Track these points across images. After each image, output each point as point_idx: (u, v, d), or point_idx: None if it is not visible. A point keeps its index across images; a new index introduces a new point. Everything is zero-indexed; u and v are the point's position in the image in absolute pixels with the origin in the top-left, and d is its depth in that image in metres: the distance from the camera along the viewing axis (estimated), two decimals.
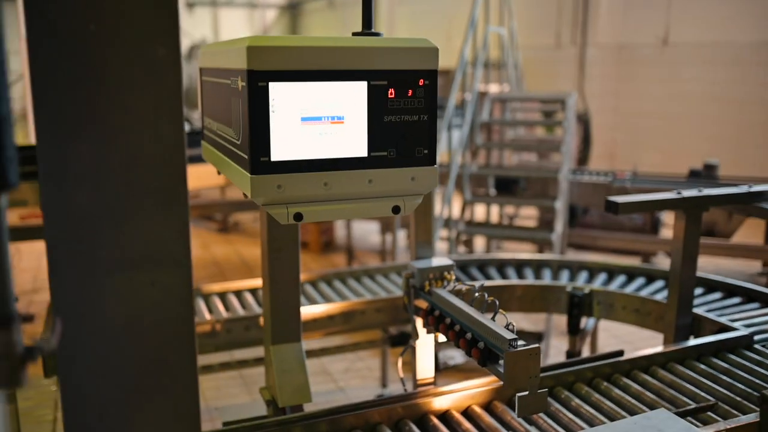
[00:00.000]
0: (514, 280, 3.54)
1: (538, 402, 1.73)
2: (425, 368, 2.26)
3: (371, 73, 1.48)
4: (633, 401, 2.24)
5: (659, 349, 2.54)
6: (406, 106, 1.51)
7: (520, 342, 1.74)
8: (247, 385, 4.36)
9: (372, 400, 2.18)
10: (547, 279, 3.60)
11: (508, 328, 1.76)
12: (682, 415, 2.10)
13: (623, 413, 2.19)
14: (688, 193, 2.57)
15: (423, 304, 2.15)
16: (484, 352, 1.78)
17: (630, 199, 2.49)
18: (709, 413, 2.15)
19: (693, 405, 2.16)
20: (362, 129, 1.49)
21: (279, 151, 1.43)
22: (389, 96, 1.50)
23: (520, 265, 3.78)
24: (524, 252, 6.79)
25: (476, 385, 2.21)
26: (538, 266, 3.74)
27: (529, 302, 3.44)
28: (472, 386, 2.20)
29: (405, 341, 3.45)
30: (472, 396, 2.20)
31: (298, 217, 1.48)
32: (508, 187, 6.62)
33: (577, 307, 3.29)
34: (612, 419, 2.17)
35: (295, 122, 1.44)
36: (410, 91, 1.51)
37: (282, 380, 2.10)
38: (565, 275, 3.65)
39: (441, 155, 5.29)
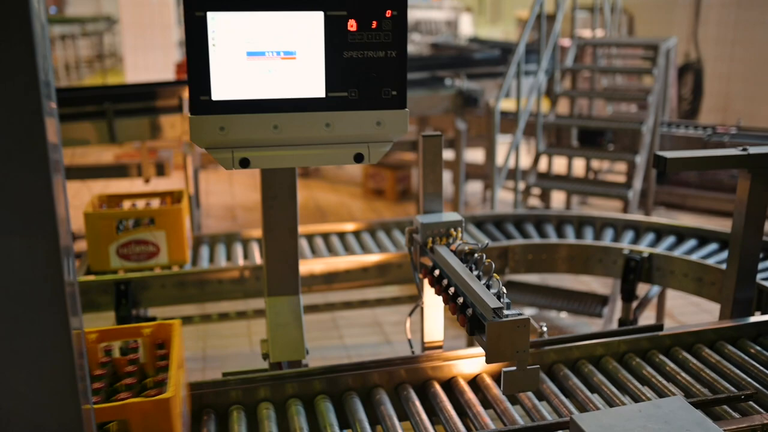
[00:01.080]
0: (563, 239, 3.29)
1: (528, 379, 1.55)
2: (433, 330, 2.11)
3: (328, 1, 1.30)
4: (663, 382, 2.00)
5: (709, 324, 2.27)
6: (371, 40, 1.33)
7: (509, 312, 1.55)
8: None
9: (374, 361, 2.05)
10: (607, 240, 3.32)
11: (498, 295, 1.57)
12: (713, 403, 1.85)
13: (649, 395, 1.96)
14: (755, 150, 2.23)
15: (428, 261, 1.98)
16: (472, 320, 1.60)
17: (682, 154, 2.19)
18: (750, 403, 1.89)
19: (733, 392, 1.90)
20: (318, 66, 1.32)
21: (221, 90, 1.29)
22: (350, 29, 1.31)
23: (581, 223, 3.50)
24: (610, 210, 6.39)
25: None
26: (601, 225, 3.45)
27: (580, 263, 3.19)
28: (482, 353, 2.03)
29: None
30: (481, 363, 2.04)
31: (245, 162, 1.34)
32: (593, 140, 6.21)
33: (633, 271, 3.01)
34: (636, 401, 1.95)
35: (239, 57, 1.29)
36: (375, 23, 1.32)
37: (275, 334, 2.01)
38: (629, 236, 3.35)
39: (509, 102, 4.98)
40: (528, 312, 4.48)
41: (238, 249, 3.34)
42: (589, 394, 1.96)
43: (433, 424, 1.85)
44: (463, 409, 1.91)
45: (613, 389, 1.98)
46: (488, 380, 2.03)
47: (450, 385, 2.02)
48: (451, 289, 1.74)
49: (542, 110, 5.15)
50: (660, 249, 3.09)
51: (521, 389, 1.55)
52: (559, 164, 6.42)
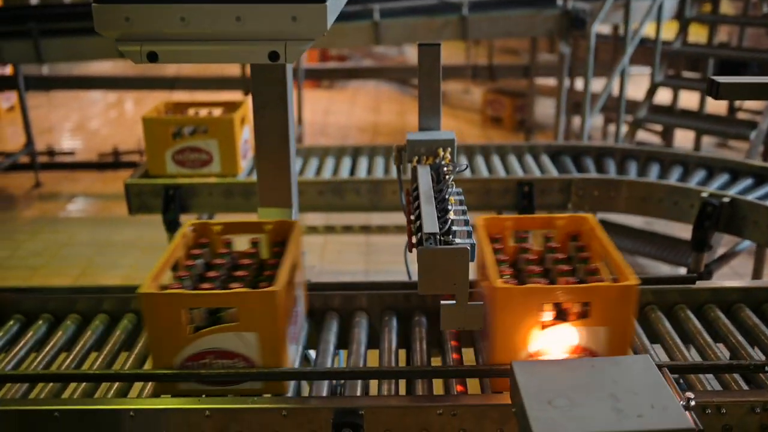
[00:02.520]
0: (634, 177, 2.96)
1: (469, 317, 1.39)
2: None
3: None
4: (676, 341, 1.76)
5: (756, 282, 1.95)
6: None
7: (460, 241, 1.40)
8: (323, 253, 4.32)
9: (358, 283, 1.98)
10: (693, 182, 2.95)
11: (445, 219, 1.41)
12: (721, 369, 1.59)
13: (659, 353, 1.73)
14: None
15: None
16: (418, 245, 1.46)
17: (741, 80, 1.84)
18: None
19: (753, 361, 1.63)
20: None
21: None
22: None
23: (673, 162, 3.13)
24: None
25: None
26: (695, 165, 3.06)
27: (654, 204, 2.86)
28: None
29: None
30: None
31: (152, 56, 1.27)
32: (735, 73, 5.52)
33: (709, 218, 2.66)
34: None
35: None
36: None
37: None
38: (722, 178, 2.96)
39: (633, 25, 4.48)
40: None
41: (313, 163, 3.34)
42: None
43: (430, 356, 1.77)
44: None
45: None
46: None
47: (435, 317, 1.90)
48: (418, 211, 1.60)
49: (664, 36, 4.61)
50: (750, 196, 2.70)
51: (461, 326, 1.41)
52: (690, 99, 5.77)
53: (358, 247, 4.38)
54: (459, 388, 1.59)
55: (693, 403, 1.37)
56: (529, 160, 3.28)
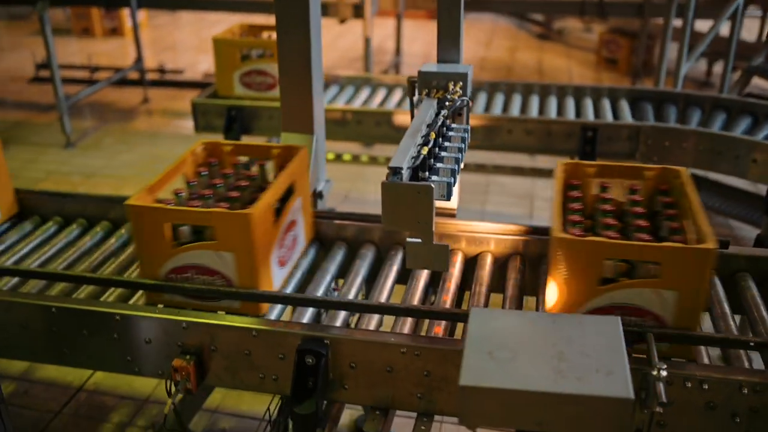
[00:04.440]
0: (703, 128, 2.71)
1: (435, 257, 1.35)
2: None
3: None
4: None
5: None
6: None
7: (435, 177, 1.35)
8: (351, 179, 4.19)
9: (372, 215, 1.95)
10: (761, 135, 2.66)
11: (417, 156, 1.35)
12: (721, 342, 1.45)
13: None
14: None
15: None
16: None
17: None
18: None
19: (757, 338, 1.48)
20: None
21: None
22: None
23: (758, 114, 2.84)
24: None
25: (500, 230, 1.81)
26: None
27: (730, 161, 2.61)
28: (498, 231, 1.81)
29: None
30: (491, 241, 1.82)
31: None
32: None
33: None
34: None
35: None
36: None
37: None
38: None
39: None
40: None
41: (380, 93, 3.31)
42: None
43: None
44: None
45: None
46: (489, 259, 1.82)
47: None
48: None
49: None
50: None
51: (426, 266, 1.37)
52: None
53: None
54: (437, 329, 1.55)
55: (664, 373, 1.28)
56: (605, 103, 3.07)
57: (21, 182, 2.53)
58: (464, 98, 1.59)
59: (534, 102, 3.13)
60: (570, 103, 3.10)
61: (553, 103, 3.11)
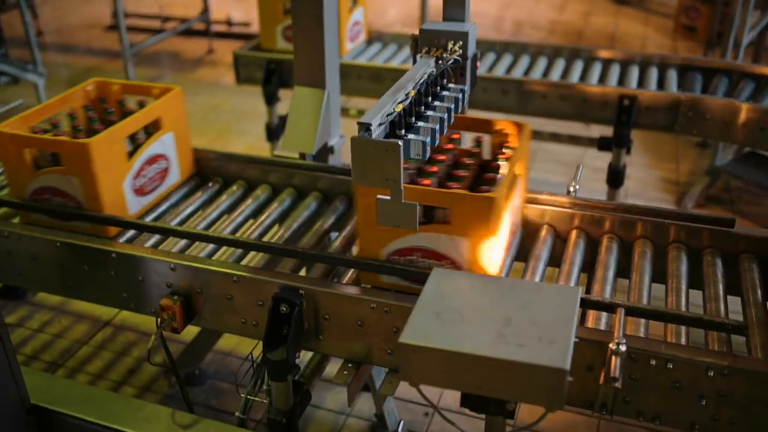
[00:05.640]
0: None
1: (403, 214, 1.34)
2: None
3: None
4: (679, 286, 1.57)
5: None
6: None
7: (412, 136, 1.34)
8: None
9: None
10: None
11: (391, 113, 1.35)
12: (696, 322, 1.40)
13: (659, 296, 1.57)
14: None
15: None
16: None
17: None
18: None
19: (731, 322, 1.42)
20: None
21: None
22: None
23: None
24: None
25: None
26: None
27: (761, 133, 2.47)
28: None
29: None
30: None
31: None
32: None
33: None
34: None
35: None
36: None
37: (292, 122, 2.01)
38: None
39: None
40: None
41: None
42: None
43: None
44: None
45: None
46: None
47: None
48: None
49: None
50: None
51: (395, 223, 1.36)
52: None
53: None
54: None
55: (623, 348, 1.26)
56: (652, 73, 2.94)
57: None
58: (457, 58, 1.56)
59: (577, 67, 3.03)
60: (615, 71, 2.98)
61: (597, 69, 3.00)
